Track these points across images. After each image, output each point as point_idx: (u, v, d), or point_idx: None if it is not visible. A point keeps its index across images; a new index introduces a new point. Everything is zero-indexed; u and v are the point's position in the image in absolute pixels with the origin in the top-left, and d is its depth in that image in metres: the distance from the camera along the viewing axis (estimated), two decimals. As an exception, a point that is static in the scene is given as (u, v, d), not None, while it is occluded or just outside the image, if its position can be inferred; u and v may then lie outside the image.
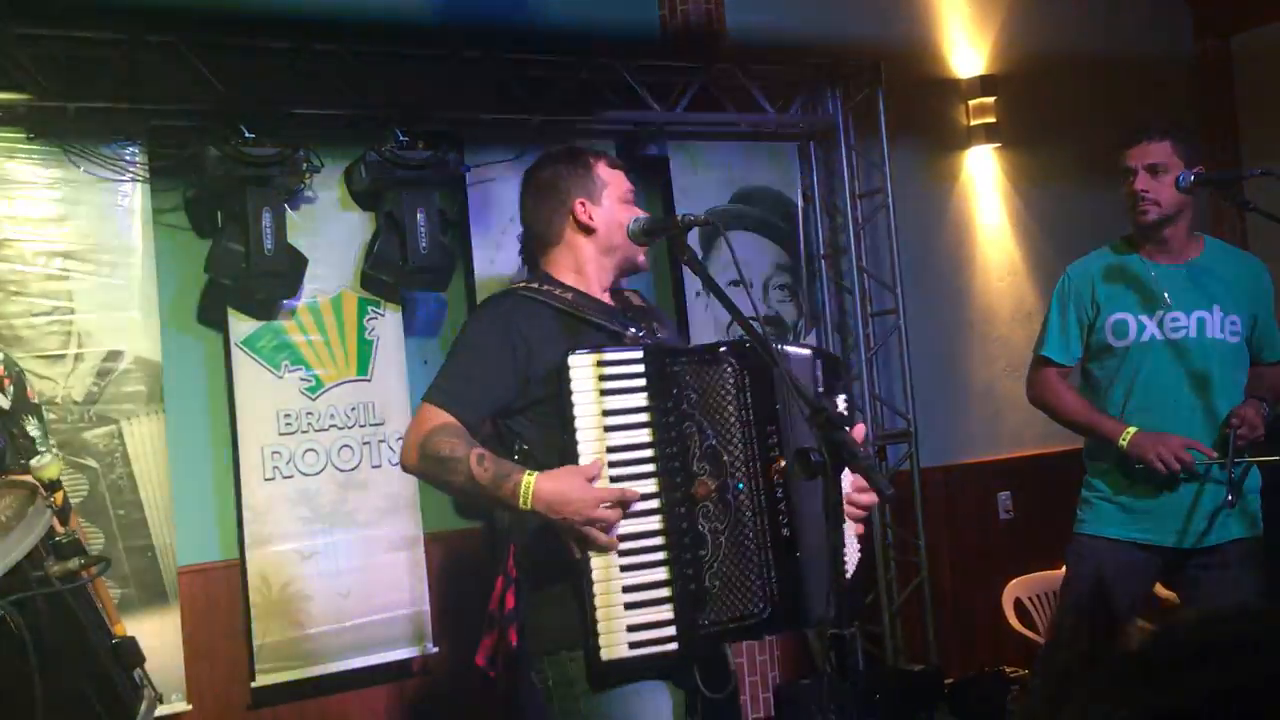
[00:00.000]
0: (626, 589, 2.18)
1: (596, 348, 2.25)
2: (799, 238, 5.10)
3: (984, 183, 5.68)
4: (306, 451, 4.04)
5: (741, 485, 2.27)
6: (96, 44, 3.77)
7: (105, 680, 2.06)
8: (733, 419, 2.28)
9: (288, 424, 4.02)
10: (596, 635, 2.17)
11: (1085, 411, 3.36)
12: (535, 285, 2.42)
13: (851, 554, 2.38)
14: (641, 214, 2.50)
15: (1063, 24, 5.87)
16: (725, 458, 2.26)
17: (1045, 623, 4.81)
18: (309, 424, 4.05)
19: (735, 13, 5.03)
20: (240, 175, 3.79)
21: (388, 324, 4.21)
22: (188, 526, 3.94)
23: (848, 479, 2.32)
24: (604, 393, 2.19)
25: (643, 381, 2.23)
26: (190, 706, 3.81)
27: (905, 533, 5.11)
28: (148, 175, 3.85)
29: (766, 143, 5.07)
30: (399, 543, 4.11)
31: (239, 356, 3.98)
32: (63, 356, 3.71)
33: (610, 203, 2.48)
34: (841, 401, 2.45)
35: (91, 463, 3.71)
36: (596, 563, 2.19)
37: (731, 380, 2.30)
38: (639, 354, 2.25)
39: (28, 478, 2.10)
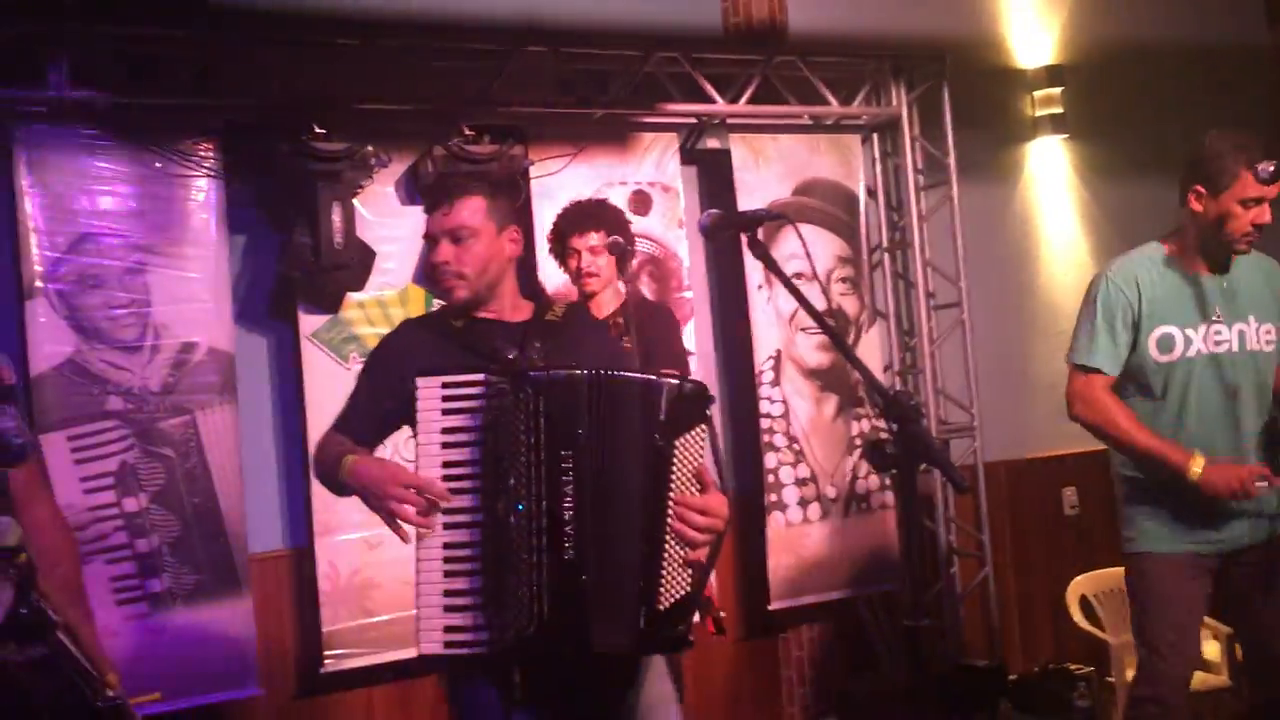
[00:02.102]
0: (447, 593, 2.33)
1: (444, 371, 2.39)
2: (862, 231, 5.08)
3: (1050, 175, 5.61)
4: (374, 442, 4.10)
5: (521, 506, 2.32)
6: (172, 42, 3.86)
7: None
8: (520, 444, 2.33)
9: (356, 415, 4.08)
10: (418, 630, 2.33)
11: (1147, 438, 3.20)
12: (434, 313, 2.74)
13: (677, 578, 2.37)
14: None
15: (1131, 12, 5.78)
16: (511, 480, 2.33)
17: (1110, 621, 4.75)
18: (376, 415, 4.10)
19: (798, 4, 5.02)
20: (310, 170, 3.87)
21: (453, 317, 4.26)
22: (259, 515, 4.03)
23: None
24: (445, 412, 2.37)
25: (478, 404, 2.35)
26: (262, 692, 3.90)
27: (968, 527, 5.08)
28: (222, 171, 3.93)
29: (829, 135, 5.05)
30: (464, 532, 4.15)
31: (308, 348, 4.06)
32: (140, 348, 3.80)
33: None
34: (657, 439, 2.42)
35: (168, 452, 3.81)
36: (424, 564, 2.34)
37: (522, 407, 2.33)
38: (480, 378, 2.36)
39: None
